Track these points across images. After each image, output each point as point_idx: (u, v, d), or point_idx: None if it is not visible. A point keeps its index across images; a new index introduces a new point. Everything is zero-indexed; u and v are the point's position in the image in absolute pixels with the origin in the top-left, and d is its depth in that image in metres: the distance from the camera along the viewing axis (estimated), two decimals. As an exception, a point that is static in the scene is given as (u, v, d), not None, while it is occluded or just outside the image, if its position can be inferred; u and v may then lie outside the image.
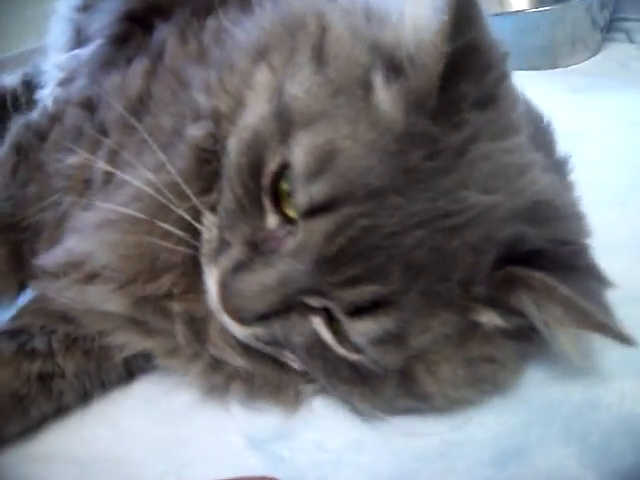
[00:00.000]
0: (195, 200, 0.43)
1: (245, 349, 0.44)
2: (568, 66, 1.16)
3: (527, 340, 0.42)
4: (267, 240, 0.39)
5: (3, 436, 0.47)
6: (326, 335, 0.40)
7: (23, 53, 1.34)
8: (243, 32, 0.49)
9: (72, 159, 0.53)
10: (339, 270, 0.36)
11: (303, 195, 0.37)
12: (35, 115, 0.64)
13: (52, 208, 0.54)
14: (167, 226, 0.43)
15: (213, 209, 0.44)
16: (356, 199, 0.36)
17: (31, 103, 0.80)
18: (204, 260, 0.43)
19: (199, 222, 0.43)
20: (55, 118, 0.60)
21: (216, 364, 0.46)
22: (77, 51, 0.69)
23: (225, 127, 0.44)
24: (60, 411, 0.49)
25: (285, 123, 0.39)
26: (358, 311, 0.37)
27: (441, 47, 0.36)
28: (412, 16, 0.39)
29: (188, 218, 0.43)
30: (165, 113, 0.50)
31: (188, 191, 0.43)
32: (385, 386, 0.41)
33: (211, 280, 0.42)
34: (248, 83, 0.44)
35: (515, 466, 0.42)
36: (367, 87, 0.39)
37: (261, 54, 0.45)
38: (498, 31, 1.06)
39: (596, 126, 0.86)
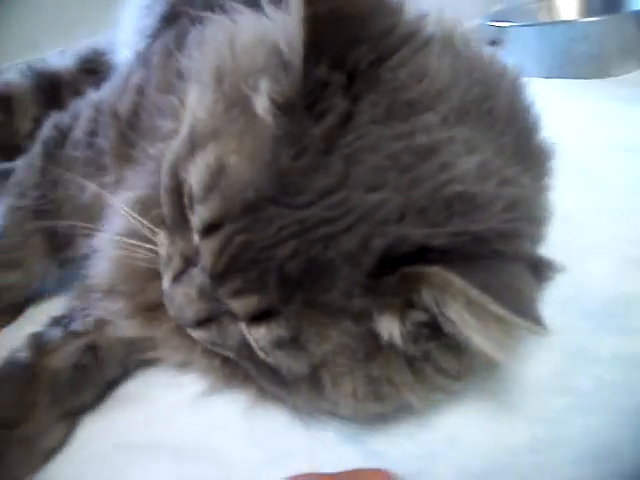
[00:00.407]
0: (143, 220, 0.46)
1: None
2: (617, 76, 1.16)
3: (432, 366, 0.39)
4: (193, 253, 0.41)
5: (85, 402, 0.51)
6: (248, 336, 0.40)
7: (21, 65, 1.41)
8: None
9: (86, 196, 0.58)
10: (225, 284, 0.37)
11: (197, 216, 0.38)
12: (63, 114, 0.67)
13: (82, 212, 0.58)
14: (134, 241, 0.47)
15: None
16: (235, 216, 0.36)
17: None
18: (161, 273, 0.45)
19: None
20: (75, 117, 0.64)
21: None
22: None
23: None
24: (114, 383, 0.54)
25: (191, 145, 0.40)
26: (255, 318, 0.38)
27: (298, 24, 0.34)
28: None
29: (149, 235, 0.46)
30: (147, 137, 0.53)
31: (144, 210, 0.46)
32: (299, 389, 0.41)
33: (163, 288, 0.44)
34: (183, 103, 0.47)
35: (607, 464, 0.42)
36: (254, 94, 0.38)
37: (196, 74, 0.47)
38: (547, 40, 1.08)
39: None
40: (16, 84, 0.87)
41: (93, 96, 0.65)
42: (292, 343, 0.37)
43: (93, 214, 0.56)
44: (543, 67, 1.20)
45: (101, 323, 0.53)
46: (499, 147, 0.39)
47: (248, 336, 0.39)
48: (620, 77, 1.15)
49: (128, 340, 0.52)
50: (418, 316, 0.36)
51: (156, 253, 0.45)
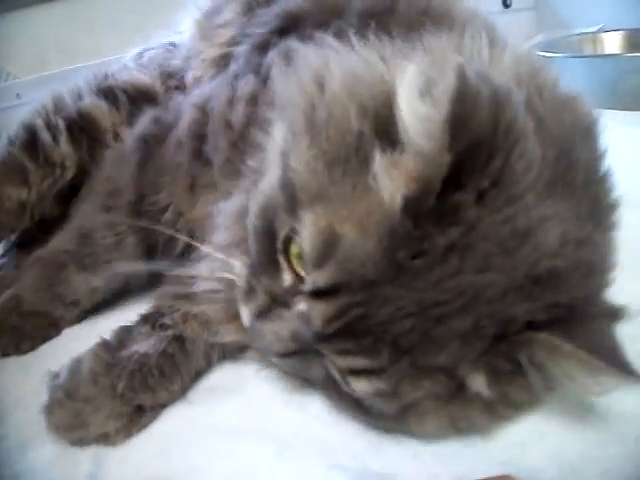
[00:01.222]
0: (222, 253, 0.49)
1: None
2: (661, 109, 1.20)
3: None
4: (283, 294, 0.44)
5: (171, 398, 0.54)
6: (336, 375, 0.44)
7: (49, 75, 1.41)
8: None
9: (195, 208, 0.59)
10: (334, 342, 0.40)
11: (310, 278, 0.40)
12: (163, 110, 0.67)
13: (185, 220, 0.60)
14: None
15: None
16: (353, 289, 0.38)
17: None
18: (238, 300, 0.48)
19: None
20: (178, 116, 0.63)
21: None
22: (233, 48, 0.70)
23: None
24: (197, 374, 0.56)
25: (290, 196, 0.42)
26: (351, 372, 0.41)
27: (441, 156, 0.35)
28: (408, 101, 0.39)
29: None
30: (252, 151, 0.53)
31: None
32: (382, 421, 0.45)
33: (243, 316, 0.47)
34: (272, 136, 0.48)
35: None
36: (362, 159, 0.39)
37: (280, 109, 0.49)
38: (596, 72, 1.11)
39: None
40: (102, 110, 0.75)
41: (195, 96, 0.64)
42: (387, 393, 0.41)
43: (196, 222, 0.58)
44: (591, 98, 1.23)
45: (188, 316, 0.56)
46: (577, 213, 0.42)
47: (342, 383, 0.43)
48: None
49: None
50: (505, 368, 0.41)
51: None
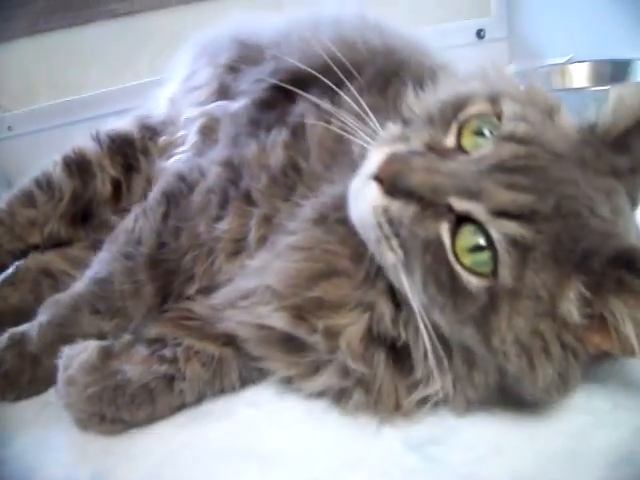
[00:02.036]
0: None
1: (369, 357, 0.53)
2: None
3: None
4: (440, 150, 0.49)
5: (133, 420, 0.58)
6: (446, 239, 0.46)
7: (38, 109, 1.48)
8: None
9: (223, 224, 0.63)
10: (509, 173, 0.45)
11: (508, 125, 0.48)
12: (184, 167, 0.71)
13: (208, 265, 0.64)
14: (330, 246, 0.54)
15: None
16: (543, 148, 0.47)
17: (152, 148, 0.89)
18: (373, 146, 0.52)
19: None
20: (202, 173, 0.67)
21: (343, 372, 0.54)
22: (223, 102, 0.78)
23: None
24: (182, 407, 0.60)
25: (494, 94, 0.52)
26: (504, 213, 0.45)
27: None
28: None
29: None
30: (324, 181, 0.60)
31: None
32: (468, 304, 0.46)
33: (377, 154, 0.49)
34: None
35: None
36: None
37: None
38: (564, 103, 1.19)
39: None
40: (91, 149, 0.88)
41: (215, 155, 0.69)
42: (521, 247, 0.44)
43: (226, 249, 0.62)
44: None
45: (191, 353, 0.60)
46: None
47: (445, 236, 0.46)
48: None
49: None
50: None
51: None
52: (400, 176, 0.46)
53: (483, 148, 0.48)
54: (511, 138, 0.47)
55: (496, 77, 0.59)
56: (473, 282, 0.46)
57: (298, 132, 0.64)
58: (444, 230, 0.47)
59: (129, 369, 0.57)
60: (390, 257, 0.49)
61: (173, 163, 0.79)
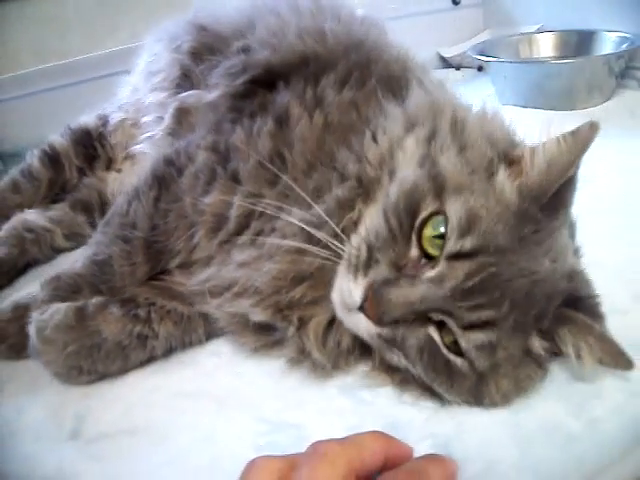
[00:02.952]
0: (339, 232, 0.57)
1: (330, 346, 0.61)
2: (584, 109, 1.33)
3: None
4: (408, 266, 0.53)
5: (107, 372, 0.66)
6: (437, 339, 0.54)
7: (22, 75, 1.50)
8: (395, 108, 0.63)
9: (208, 198, 0.65)
10: (469, 298, 0.51)
11: (455, 244, 0.51)
12: (171, 151, 0.74)
13: (187, 237, 0.68)
14: (314, 249, 0.57)
15: (346, 231, 0.58)
16: (489, 253, 0.51)
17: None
18: (345, 269, 0.56)
19: (340, 242, 0.57)
20: (189, 158, 0.70)
21: (302, 350, 0.62)
22: (196, 91, 0.83)
23: (373, 178, 0.59)
24: (149, 362, 0.67)
25: (438, 185, 0.54)
26: (470, 326, 0.52)
27: (565, 174, 0.54)
28: (547, 148, 0.55)
29: (331, 241, 0.57)
30: (305, 177, 0.62)
31: (335, 227, 0.57)
32: (462, 384, 0.55)
33: (353, 285, 0.54)
34: (400, 145, 0.59)
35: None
36: (491, 172, 0.56)
37: (411, 125, 0.60)
38: (525, 76, 1.29)
39: (594, 169, 0.97)
40: (59, 143, 1.03)
41: (198, 141, 0.71)
42: (489, 347, 0.52)
43: (208, 223, 0.65)
44: (520, 98, 1.37)
45: (164, 313, 0.67)
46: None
47: (435, 337, 0.53)
48: (585, 110, 1.33)
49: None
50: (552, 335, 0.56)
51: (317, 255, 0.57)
52: (385, 314, 0.52)
53: (439, 265, 0.52)
54: (457, 256, 0.51)
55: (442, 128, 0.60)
56: (460, 361, 0.54)
57: (282, 122, 0.66)
58: (432, 332, 0.54)
59: (105, 329, 0.65)
60: (394, 358, 0.57)
61: (151, 148, 0.85)
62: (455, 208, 0.52)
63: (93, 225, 0.94)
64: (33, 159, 1.02)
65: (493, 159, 0.57)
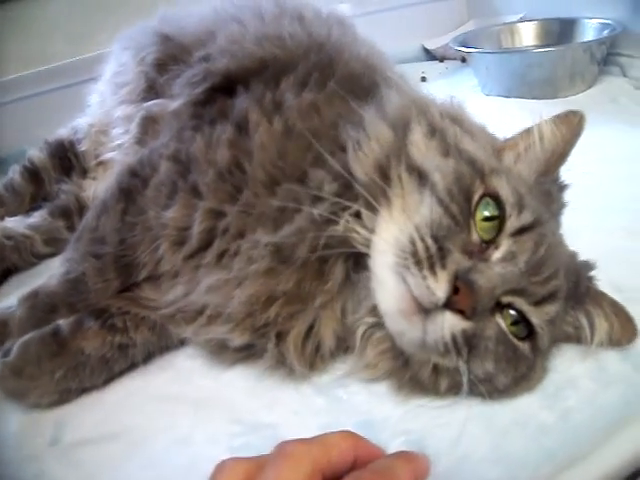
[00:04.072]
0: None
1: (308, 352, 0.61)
2: (566, 97, 1.33)
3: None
4: (476, 253, 0.52)
5: (93, 385, 0.66)
6: (504, 327, 0.53)
7: (6, 81, 1.50)
8: (375, 112, 0.61)
9: (170, 212, 0.63)
10: (541, 270, 0.53)
11: (517, 219, 0.53)
12: (134, 161, 0.73)
13: (151, 250, 0.66)
14: (288, 270, 0.57)
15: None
16: (541, 224, 0.54)
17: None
18: (402, 269, 0.51)
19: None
20: (153, 168, 0.69)
21: (281, 360, 0.61)
22: (160, 101, 0.83)
23: (370, 184, 0.56)
24: (133, 367, 0.68)
25: (478, 169, 0.55)
26: (542, 300, 0.53)
27: (563, 159, 0.61)
28: (544, 135, 0.60)
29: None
30: (268, 193, 0.59)
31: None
32: (521, 369, 0.55)
33: (432, 280, 0.49)
34: (401, 140, 0.58)
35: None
36: (499, 156, 0.60)
37: (404, 124, 0.59)
38: (507, 65, 1.29)
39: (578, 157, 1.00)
40: (38, 157, 1.06)
41: (161, 148, 0.70)
42: (554, 321, 0.55)
43: (171, 237, 0.63)
44: (503, 88, 1.37)
45: (138, 320, 0.67)
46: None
47: (503, 325, 0.53)
48: (568, 98, 1.32)
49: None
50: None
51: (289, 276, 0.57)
52: (479, 303, 0.50)
53: (503, 244, 0.53)
54: (521, 231, 0.53)
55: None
56: (523, 346, 0.55)
57: (242, 128, 0.64)
58: (500, 320, 0.54)
59: (86, 346, 0.65)
60: (460, 364, 0.52)
61: (120, 155, 0.86)
62: (504, 187, 0.54)
63: (72, 229, 0.94)
64: (15, 174, 1.06)
65: (493, 144, 0.60)
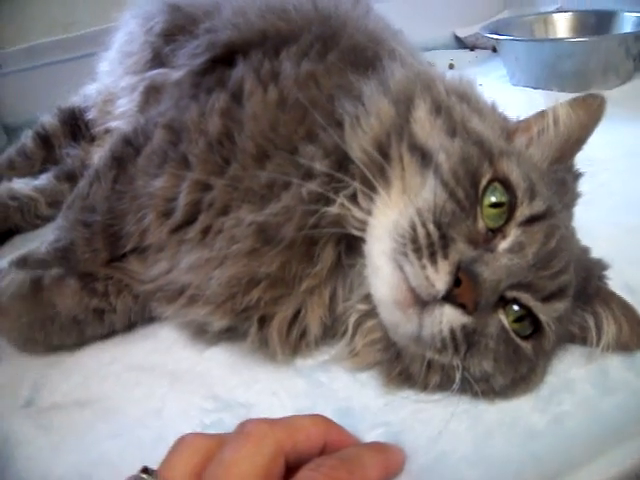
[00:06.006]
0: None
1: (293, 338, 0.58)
2: (599, 91, 1.26)
3: None
4: (481, 243, 0.48)
5: (63, 344, 0.66)
6: (506, 324, 0.50)
7: (29, 47, 1.51)
8: (376, 85, 0.57)
9: (158, 182, 0.61)
10: (550, 264, 0.49)
11: (528, 207, 0.50)
12: (130, 130, 0.71)
13: (137, 219, 0.63)
14: (272, 252, 0.54)
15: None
16: (553, 214, 0.51)
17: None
18: (400, 256, 0.47)
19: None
20: (147, 136, 0.67)
21: (264, 343, 0.58)
22: (164, 70, 0.81)
23: (369, 162, 0.53)
24: (111, 334, 0.67)
25: (486, 151, 0.51)
26: (551, 296, 0.50)
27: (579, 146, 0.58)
28: (561, 120, 0.56)
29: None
30: (257, 166, 0.57)
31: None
32: (521, 370, 0.52)
33: (431, 270, 0.46)
34: (404, 117, 0.54)
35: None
36: (509, 139, 0.56)
37: (407, 99, 0.55)
38: (537, 55, 1.23)
39: (604, 152, 0.93)
40: (49, 123, 1.09)
41: (158, 116, 0.68)
42: (562, 319, 0.52)
43: (157, 208, 0.61)
44: (532, 78, 1.31)
45: (122, 286, 0.66)
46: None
47: (505, 322, 0.50)
48: (602, 93, 1.25)
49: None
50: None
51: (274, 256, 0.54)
52: (482, 297, 0.46)
53: (511, 234, 0.50)
54: (532, 220, 0.50)
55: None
56: (526, 345, 0.51)
57: (236, 97, 0.62)
58: (502, 316, 0.50)
59: (59, 302, 0.64)
60: (457, 362, 0.49)
61: (119, 123, 0.85)
62: (515, 171, 0.50)
63: None
64: (27, 139, 1.09)
65: (504, 126, 0.56)
